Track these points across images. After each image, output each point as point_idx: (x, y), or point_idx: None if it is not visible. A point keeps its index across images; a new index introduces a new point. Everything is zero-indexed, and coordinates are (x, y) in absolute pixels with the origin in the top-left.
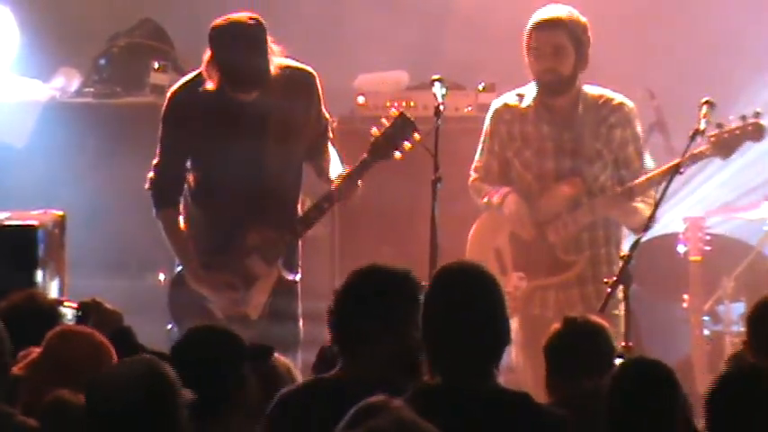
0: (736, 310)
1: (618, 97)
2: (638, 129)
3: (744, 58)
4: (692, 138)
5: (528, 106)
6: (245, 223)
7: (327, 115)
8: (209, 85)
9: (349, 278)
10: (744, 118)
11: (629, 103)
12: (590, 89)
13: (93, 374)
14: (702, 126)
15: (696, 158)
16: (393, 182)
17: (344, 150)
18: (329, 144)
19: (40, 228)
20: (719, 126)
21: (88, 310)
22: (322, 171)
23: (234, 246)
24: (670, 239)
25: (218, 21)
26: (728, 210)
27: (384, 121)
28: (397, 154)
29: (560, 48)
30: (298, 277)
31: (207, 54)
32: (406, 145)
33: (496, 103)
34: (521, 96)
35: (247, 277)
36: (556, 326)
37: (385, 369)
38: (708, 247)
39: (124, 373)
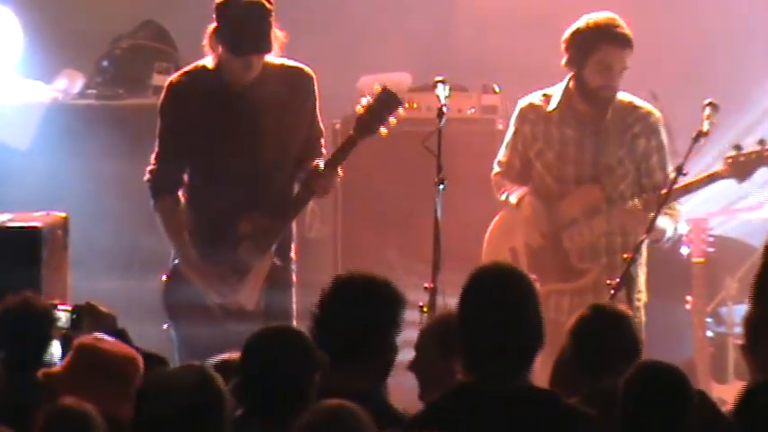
0: (740, 312)
1: (645, 106)
2: (664, 139)
3: (749, 59)
4: (695, 139)
5: (554, 109)
6: (239, 213)
7: (322, 127)
8: (210, 64)
9: (336, 285)
10: (762, 143)
11: (656, 113)
12: (620, 95)
13: (126, 375)
14: (705, 128)
15: (712, 179)
16: (396, 183)
17: None
18: (320, 155)
19: (44, 229)
20: (737, 148)
21: (82, 313)
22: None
23: (227, 236)
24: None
25: None
26: (731, 210)
27: (368, 97)
28: (383, 130)
29: (626, 68)
30: (293, 265)
31: (210, 27)
32: (392, 120)
33: (522, 102)
34: (547, 97)
35: (240, 266)
36: (583, 311)
37: (368, 380)
38: (711, 249)
39: (175, 380)
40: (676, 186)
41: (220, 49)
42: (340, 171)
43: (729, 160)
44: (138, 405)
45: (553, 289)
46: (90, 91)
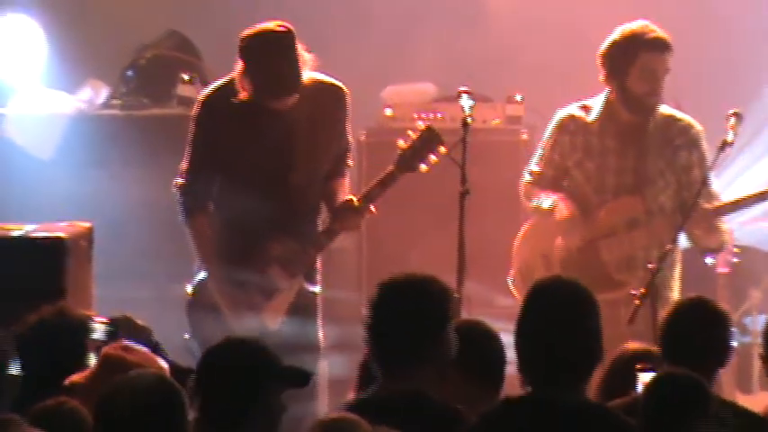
0: (764, 322)
1: (687, 119)
2: (706, 152)
3: None
4: (721, 149)
5: (595, 119)
6: (268, 233)
7: (351, 138)
8: (242, 95)
9: (383, 292)
10: None
11: (698, 126)
12: (661, 108)
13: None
14: (730, 138)
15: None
16: (420, 193)
17: (371, 162)
18: (345, 169)
19: (68, 239)
20: None
21: (119, 325)
22: (331, 194)
23: (256, 255)
24: (698, 251)
25: (248, 31)
26: (758, 220)
27: (411, 133)
28: (423, 167)
29: (668, 71)
30: (318, 289)
31: (239, 65)
32: (432, 158)
33: (561, 114)
34: (587, 108)
35: (268, 288)
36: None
37: (424, 385)
38: (736, 259)
39: (133, 384)
40: (726, 203)
41: (250, 86)
42: (372, 207)
43: None
44: (97, 409)
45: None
46: (114, 101)
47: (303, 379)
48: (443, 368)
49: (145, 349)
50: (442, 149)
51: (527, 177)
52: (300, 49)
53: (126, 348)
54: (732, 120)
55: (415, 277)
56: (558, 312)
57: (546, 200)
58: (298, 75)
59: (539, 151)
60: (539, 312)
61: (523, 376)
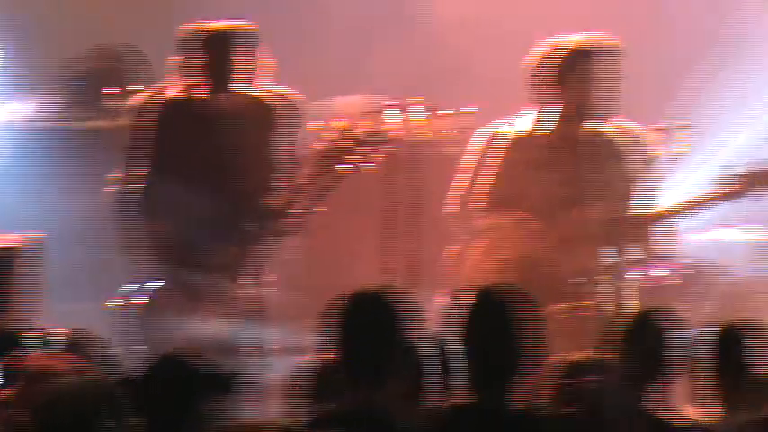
0: (709, 335)
1: (636, 128)
2: (653, 162)
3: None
4: (670, 161)
5: (542, 132)
6: (213, 235)
7: (302, 147)
8: (186, 91)
9: (352, 304)
10: None
11: (647, 135)
12: (607, 117)
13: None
14: (679, 149)
15: (727, 198)
16: (366, 200)
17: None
18: (291, 174)
19: (18, 250)
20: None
21: (77, 338)
22: (275, 197)
23: (200, 259)
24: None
25: (210, 24)
26: (705, 231)
27: (351, 135)
28: (366, 167)
29: (612, 80)
30: (261, 290)
31: (196, 59)
32: (374, 158)
33: (506, 128)
34: (531, 121)
35: (213, 291)
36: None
37: (389, 399)
38: (687, 271)
39: (72, 391)
40: (683, 204)
41: (196, 77)
42: (316, 210)
43: (744, 178)
44: (36, 419)
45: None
46: (59, 113)
47: (225, 385)
48: (408, 381)
49: (69, 354)
50: (384, 150)
51: (474, 193)
52: (255, 49)
53: (50, 357)
54: (679, 131)
55: (376, 291)
56: (496, 320)
57: (499, 215)
58: (244, 68)
59: (480, 167)
60: (478, 320)
61: (471, 382)
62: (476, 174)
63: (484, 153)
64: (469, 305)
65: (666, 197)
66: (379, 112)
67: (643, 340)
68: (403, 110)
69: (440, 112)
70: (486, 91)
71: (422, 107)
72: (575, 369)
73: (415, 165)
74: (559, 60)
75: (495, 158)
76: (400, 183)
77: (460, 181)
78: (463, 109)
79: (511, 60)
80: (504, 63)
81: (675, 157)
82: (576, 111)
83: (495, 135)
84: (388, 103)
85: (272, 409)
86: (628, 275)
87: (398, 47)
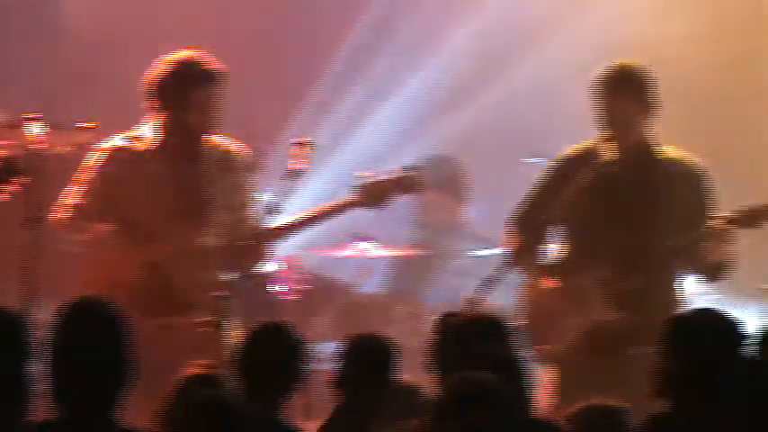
0: (329, 349)
1: (234, 146)
2: (254, 177)
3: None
4: (288, 177)
5: (146, 148)
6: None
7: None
8: (147, 143)
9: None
10: (395, 170)
11: (249, 150)
12: (215, 136)
13: None
14: (297, 165)
15: (345, 207)
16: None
17: None
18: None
19: None
20: (364, 177)
21: None
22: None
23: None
24: (265, 278)
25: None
26: (320, 250)
27: None
28: None
29: (221, 102)
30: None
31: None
32: (6, 187)
33: (105, 144)
34: (136, 138)
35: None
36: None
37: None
38: (303, 286)
39: None
40: (302, 218)
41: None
42: None
43: (361, 188)
44: None
45: (162, 323)
46: None
47: None
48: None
49: None
50: (18, 177)
51: (66, 210)
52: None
53: None
54: (298, 148)
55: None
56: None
57: (93, 228)
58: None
59: (79, 183)
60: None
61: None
62: (81, 186)
63: (93, 167)
64: (57, 320)
65: (287, 212)
66: (23, 125)
67: (270, 354)
68: (19, 126)
69: (58, 128)
70: (107, 106)
71: (40, 123)
72: (191, 383)
73: (34, 180)
74: (167, 78)
75: (97, 172)
76: (20, 197)
77: (69, 192)
78: (82, 124)
79: (132, 76)
80: (127, 80)
81: (296, 173)
82: (182, 129)
83: (105, 150)
84: (30, 116)
85: None
86: (249, 291)
87: (23, 61)
